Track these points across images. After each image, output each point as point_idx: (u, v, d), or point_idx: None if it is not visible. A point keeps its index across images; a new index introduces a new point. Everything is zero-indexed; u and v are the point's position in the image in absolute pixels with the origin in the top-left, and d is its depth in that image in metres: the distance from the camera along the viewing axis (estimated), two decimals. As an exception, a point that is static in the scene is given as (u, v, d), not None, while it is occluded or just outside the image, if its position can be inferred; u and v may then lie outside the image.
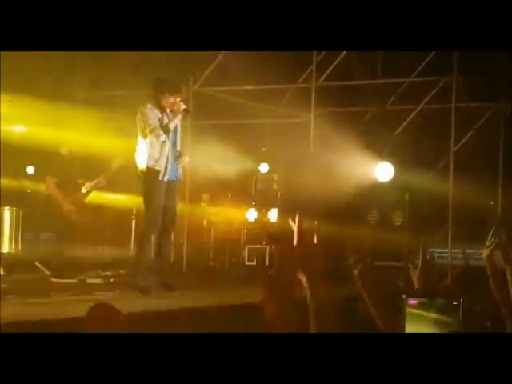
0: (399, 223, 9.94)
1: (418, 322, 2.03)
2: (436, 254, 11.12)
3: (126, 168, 8.13)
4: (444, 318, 2.03)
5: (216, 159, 11.09)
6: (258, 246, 10.80)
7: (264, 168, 11.47)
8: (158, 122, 6.87)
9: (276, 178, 11.33)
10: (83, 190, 8.53)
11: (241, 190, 11.32)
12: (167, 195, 6.99)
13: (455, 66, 9.48)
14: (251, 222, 11.14)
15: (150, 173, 6.90)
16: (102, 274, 8.37)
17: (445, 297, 2.02)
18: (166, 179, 6.90)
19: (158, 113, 6.91)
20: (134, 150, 7.10)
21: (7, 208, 9.95)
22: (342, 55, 10.92)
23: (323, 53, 11.12)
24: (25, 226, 9.93)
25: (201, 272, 10.44)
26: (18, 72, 10.10)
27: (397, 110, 11.87)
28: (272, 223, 10.90)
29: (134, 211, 10.63)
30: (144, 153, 6.92)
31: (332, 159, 9.73)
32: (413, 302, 2.04)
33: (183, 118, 7.10)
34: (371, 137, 10.97)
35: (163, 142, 6.88)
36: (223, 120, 11.54)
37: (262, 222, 11.03)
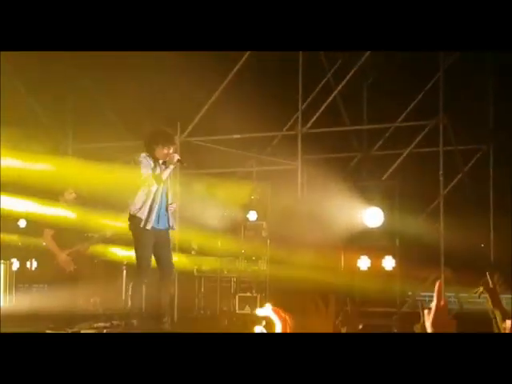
0: (390, 268, 9.92)
1: None
2: (427, 299, 11.09)
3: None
4: None
5: (204, 208, 11.08)
6: (249, 295, 10.73)
7: (253, 216, 11.47)
8: (150, 172, 6.96)
9: (265, 225, 11.32)
10: (85, 243, 8.58)
11: (230, 238, 11.29)
12: (160, 243, 7.01)
13: (441, 107, 9.60)
14: (241, 270, 11.09)
15: (133, 220, 7.00)
16: (95, 325, 8.33)
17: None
18: (148, 227, 6.92)
19: (151, 162, 7.00)
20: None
21: (1, 262, 9.89)
22: (327, 101, 11.04)
23: (309, 99, 11.24)
24: (18, 279, 9.89)
25: (192, 321, 10.35)
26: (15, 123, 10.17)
27: (384, 155, 11.97)
28: (262, 271, 10.84)
29: (125, 262, 10.59)
30: (132, 201, 7.02)
31: (320, 205, 9.74)
32: None
33: (176, 168, 7.23)
34: (359, 182, 11.02)
35: (148, 191, 6.96)
36: (211, 169, 11.57)
37: (252, 270, 10.98)
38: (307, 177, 10.59)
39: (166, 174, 7.00)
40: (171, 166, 7.03)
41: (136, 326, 6.98)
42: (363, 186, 10.59)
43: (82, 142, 11.33)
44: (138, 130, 11.27)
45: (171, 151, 7.05)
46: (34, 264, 11.03)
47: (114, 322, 8.31)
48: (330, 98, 11.01)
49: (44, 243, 8.61)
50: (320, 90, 11.64)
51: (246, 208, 11.49)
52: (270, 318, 2.04)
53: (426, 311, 2.62)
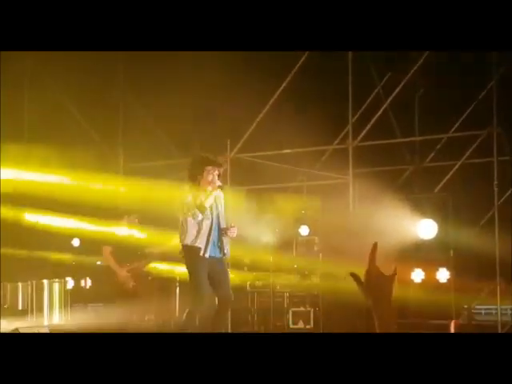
0: (445, 281, 9.75)
1: None
2: (484, 311, 10.85)
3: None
4: None
5: (256, 224, 11.10)
6: (302, 309, 10.68)
7: (304, 231, 11.44)
8: (193, 201, 6.88)
9: (317, 240, 11.27)
10: (143, 260, 8.68)
11: (282, 253, 11.28)
12: (216, 270, 6.92)
13: (495, 117, 9.44)
14: (294, 285, 11.05)
15: (190, 250, 6.90)
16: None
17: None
18: (207, 255, 6.85)
19: (194, 191, 6.92)
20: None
21: (56, 280, 10.11)
22: (378, 114, 10.96)
23: (359, 112, 11.19)
24: (73, 298, 10.06)
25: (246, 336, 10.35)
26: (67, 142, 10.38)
27: (436, 167, 11.81)
28: (315, 284, 10.79)
29: (178, 279, 10.67)
30: (184, 231, 6.94)
31: (372, 218, 9.66)
32: None
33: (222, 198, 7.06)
34: (411, 195, 10.88)
35: (202, 219, 6.88)
36: (262, 185, 11.60)
37: (305, 285, 10.93)
38: (358, 190, 10.51)
39: (210, 201, 6.89)
40: (213, 192, 6.90)
41: None
42: (416, 199, 10.46)
43: (132, 162, 11.49)
44: (188, 148, 11.41)
45: (216, 174, 6.96)
46: (89, 282, 11.20)
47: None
48: (381, 111, 10.94)
49: (102, 260, 8.74)
50: (370, 103, 11.58)
51: (298, 223, 11.47)
52: None
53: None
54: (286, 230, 11.39)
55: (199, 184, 6.93)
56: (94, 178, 10.38)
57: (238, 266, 11.17)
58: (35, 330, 6.87)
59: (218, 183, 6.96)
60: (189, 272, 7.05)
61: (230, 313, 10.40)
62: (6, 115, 10.38)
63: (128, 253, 8.65)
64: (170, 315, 10.16)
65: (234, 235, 7.09)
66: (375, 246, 2.09)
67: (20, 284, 10.69)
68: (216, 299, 6.98)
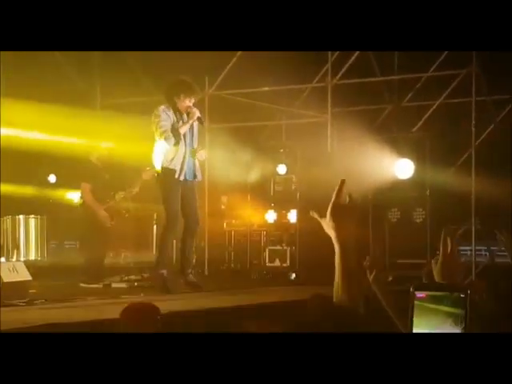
0: (421, 220, 9.85)
1: (426, 316, 2.00)
2: (460, 252, 11.00)
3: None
4: (452, 310, 2.00)
5: (233, 162, 11.07)
6: (279, 248, 10.77)
7: (282, 169, 11.43)
8: (169, 125, 6.89)
9: (294, 179, 11.28)
10: (117, 198, 8.64)
11: (259, 192, 11.29)
12: (186, 195, 7.05)
13: (474, 58, 9.39)
14: (271, 224, 11.12)
15: (166, 172, 6.97)
16: (126, 278, 8.50)
17: (452, 290, 1.99)
18: (182, 178, 6.95)
19: (171, 115, 6.94)
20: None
21: (32, 216, 10.06)
22: (357, 53, 10.85)
23: (338, 51, 11.07)
24: (49, 235, 10.03)
25: (223, 273, 10.46)
26: (37, 79, 10.18)
27: (414, 106, 11.78)
28: (292, 224, 10.86)
29: (155, 216, 10.68)
30: (159, 154, 7.00)
31: (350, 158, 9.67)
32: (420, 295, 2.00)
33: (197, 124, 7.15)
34: (389, 134, 10.89)
35: (177, 142, 6.93)
36: (239, 123, 11.52)
37: (281, 223, 11.00)
38: (337, 130, 10.49)
39: (185, 128, 6.94)
40: (190, 121, 6.97)
41: (165, 277, 7.03)
42: (394, 138, 10.47)
43: (109, 98, 11.33)
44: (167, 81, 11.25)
45: (193, 102, 6.99)
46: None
47: (145, 275, 8.44)
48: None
49: (81, 198, 8.67)
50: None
51: (276, 161, 11.45)
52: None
53: (433, 260, 2.61)
54: (264, 168, 11.38)
55: (175, 106, 6.92)
56: (71, 112, 10.23)
57: (215, 204, 11.18)
58: (11, 265, 6.84)
59: (197, 114, 6.96)
60: (163, 195, 7.11)
61: (206, 250, 10.48)
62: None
63: (104, 191, 8.61)
64: (147, 252, 10.20)
65: (203, 158, 7.25)
66: (343, 181, 2.11)
67: (-4, 219, 10.62)
68: (184, 223, 7.08)
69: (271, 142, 12.05)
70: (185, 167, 6.98)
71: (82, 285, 8.12)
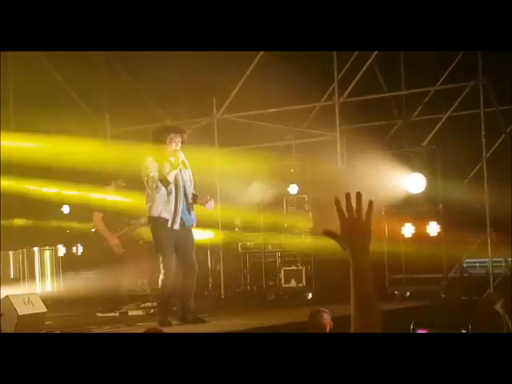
0: (435, 234, 9.77)
1: None
2: (478, 264, 10.91)
3: None
4: None
5: (244, 184, 11.06)
6: (294, 268, 10.73)
7: (293, 189, 11.42)
8: (157, 174, 6.81)
9: (306, 198, 11.26)
10: (131, 226, 8.67)
11: (272, 212, 11.27)
12: (182, 242, 6.88)
13: (480, 69, 9.37)
14: (285, 245, 11.08)
15: (157, 222, 6.86)
16: (142, 305, 8.48)
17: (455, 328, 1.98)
18: (175, 227, 6.81)
19: (156, 165, 6.84)
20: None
21: (47, 248, 10.08)
22: (363, 69, 10.87)
23: (344, 69, 11.09)
24: (65, 266, 10.04)
25: (239, 296, 10.42)
26: (45, 110, 10.25)
27: (424, 120, 11.76)
28: (306, 244, 10.81)
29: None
30: (150, 202, 6.89)
31: (361, 174, 9.64)
32: (421, 331, 1.98)
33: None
34: (399, 149, 10.85)
35: (168, 191, 6.81)
36: (249, 145, 11.53)
37: (296, 244, 10.95)
38: (347, 147, 10.48)
39: (172, 175, 6.83)
40: (177, 168, 6.82)
41: (160, 320, 6.83)
42: (404, 153, 10.43)
43: (119, 126, 11.39)
44: (175, 110, 11.30)
45: (179, 146, 6.86)
46: (80, 249, 11.19)
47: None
48: (366, 66, 10.83)
49: (94, 227, 8.71)
50: (356, 58, 11.46)
51: (287, 182, 11.44)
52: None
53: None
54: (276, 189, 11.36)
55: (163, 153, 6.81)
56: (81, 143, 10.29)
57: (228, 227, 11.17)
58: (26, 298, 6.84)
59: (182, 157, 6.83)
60: (155, 243, 6.98)
61: (222, 273, 10.44)
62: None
63: (118, 219, 8.63)
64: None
65: (212, 208, 7.08)
66: (348, 196, 2.07)
67: (11, 252, 10.66)
68: (182, 272, 6.89)
69: (281, 162, 12.05)
70: (178, 215, 6.85)
71: (98, 314, 8.11)
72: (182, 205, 6.87)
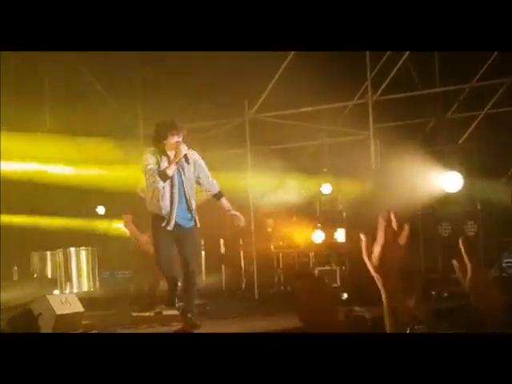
0: (473, 233, 9.62)
1: None
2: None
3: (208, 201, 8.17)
4: None
5: (277, 184, 11.02)
6: (328, 268, 10.65)
7: (327, 189, 11.34)
8: (155, 168, 6.49)
9: (340, 198, 11.18)
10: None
11: (305, 212, 11.21)
12: (180, 242, 6.54)
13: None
14: (318, 244, 11.01)
15: (155, 218, 6.60)
16: (177, 305, 8.48)
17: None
18: (169, 227, 6.49)
19: (158, 158, 6.51)
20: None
21: (83, 248, 10.16)
22: (396, 67, 10.74)
23: (378, 67, 10.98)
24: (101, 266, 10.11)
25: (272, 297, 10.38)
26: (81, 113, 10.33)
27: (460, 118, 11.59)
28: (340, 243, 10.74)
29: (202, 242, 10.68)
30: (148, 198, 6.62)
31: (396, 174, 9.53)
32: None
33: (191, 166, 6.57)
34: (435, 147, 10.72)
35: (170, 187, 6.48)
36: (281, 144, 11.48)
37: (329, 243, 10.88)
38: (380, 146, 10.37)
39: (172, 168, 6.44)
40: (176, 160, 6.43)
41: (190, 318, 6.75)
42: (440, 151, 10.29)
43: (152, 127, 11.42)
44: (207, 111, 11.30)
45: (180, 139, 6.47)
46: (114, 249, 11.26)
47: (195, 302, 8.40)
48: (400, 63, 10.71)
49: (124, 228, 8.77)
50: (389, 56, 11.35)
51: (320, 181, 11.37)
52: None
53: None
54: (308, 189, 11.31)
55: (164, 149, 6.50)
56: (115, 146, 10.36)
57: (261, 227, 11.14)
58: (63, 298, 6.90)
59: (184, 151, 6.48)
60: (153, 241, 6.83)
61: (255, 273, 10.40)
62: (27, 85, 10.38)
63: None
64: (197, 278, 10.19)
65: (242, 223, 6.72)
66: (388, 216, 1.93)
67: (48, 253, 10.77)
68: (182, 273, 6.65)
69: (314, 161, 11.98)
70: (174, 214, 6.49)
71: (133, 314, 8.14)
72: (178, 204, 6.53)
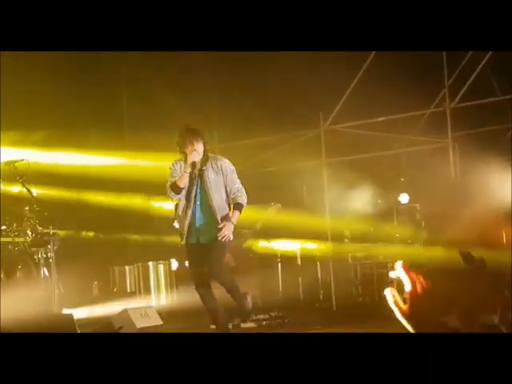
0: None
1: None
2: None
3: (282, 212, 8.18)
4: None
5: (353, 194, 10.92)
6: (407, 279, 10.44)
7: (404, 199, 11.16)
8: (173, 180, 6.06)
9: (418, 207, 10.98)
10: (241, 237, 8.74)
11: (383, 223, 11.06)
12: (201, 259, 6.11)
13: None
14: (397, 255, 10.82)
15: (179, 234, 6.24)
16: (255, 317, 8.51)
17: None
18: (192, 242, 6.10)
19: (178, 169, 6.09)
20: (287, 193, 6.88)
21: (161, 262, 10.30)
22: (475, 72, 10.51)
23: (456, 73, 10.77)
24: (178, 279, 10.21)
25: (351, 308, 10.28)
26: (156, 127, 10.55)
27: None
28: (419, 254, 10.52)
29: (279, 254, 10.68)
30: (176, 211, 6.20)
31: (476, 182, 9.30)
32: None
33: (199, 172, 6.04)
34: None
35: (186, 201, 6.03)
36: (358, 155, 11.37)
37: (408, 254, 10.68)
38: (459, 154, 10.15)
39: (183, 180, 5.95)
40: (187, 170, 5.96)
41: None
42: (522, 159, 9.98)
43: (227, 141, 11.53)
44: (281, 124, 11.32)
45: (198, 147, 5.99)
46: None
47: (273, 314, 8.40)
48: (478, 69, 10.47)
49: None
50: (466, 62, 11.11)
51: (397, 191, 11.20)
52: (400, 280, 1.89)
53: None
54: (386, 199, 11.16)
55: (186, 158, 6.03)
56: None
57: (338, 238, 11.06)
58: (143, 311, 7.03)
59: (192, 159, 5.97)
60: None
61: (332, 285, 10.30)
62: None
63: None
64: (274, 291, 10.20)
65: (225, 236, 6.04)
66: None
67: (127, 267, 10.98)
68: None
69: (391, 171, 11.82)
70: (191, 229, 6.05)
71: (211, 326, 8.19)
72: (198, 217, 6.05)
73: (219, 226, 6.00)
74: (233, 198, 6.12)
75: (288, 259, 10.90)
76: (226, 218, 6.05)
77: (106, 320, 6.90)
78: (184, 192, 6.00)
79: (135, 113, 11.50)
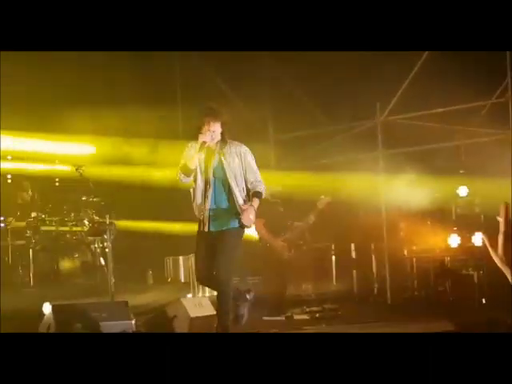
0: None
1: None
2: None
3: (333, 204, 8.12)
4: None
5: (411, 187, 10.76)
6: (465, 273, 10.26)
7: (463, 191, 10.94)
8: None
9: (477, 200, 10.75)
10: (294, 229, 8.74)
11: (440, 216, 10.87)
12: (212, 248, 5.74)
13: None
14: (455, 248, 10.63)
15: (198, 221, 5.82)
16: (308, 309, 8.50)
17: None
18: (206, 229, 5.72)
19: (193, 151, 5.70)
20: (341, 185, 6.84)
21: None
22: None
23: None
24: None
25: (407, 302, 10.16)
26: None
27: None
28: (478, 247, 10.31)
29: (333, 247, 10.61)
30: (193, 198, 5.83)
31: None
32: None
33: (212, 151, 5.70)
34: None
35: (204, 184, 5.67)
36: (414, 147, 11.19)
37: (466, 248, 10.48)
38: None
39: (193, 161, 5.61)
40: (198, 151, 5.63)
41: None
42: None
43: (282, 132, 11.48)
44: (337, 114, 11.21)
45: (214, 127, 5.65)
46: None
47: (326, 306, 8.37)
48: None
49: (257, 234, 8.83)
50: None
51: (456, 184, 10.99)
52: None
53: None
54: (443, 191, 10.96)
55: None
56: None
57: (394, 231, 10.92)
58: (197, 301, 7.08)
59: (203, 138, 5.61)
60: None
61: (388, 278, 10.18)
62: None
63: (280, 223, 8.68)
64: (327, 284, 10.15)
65: (246, 222, 5.71)
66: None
67: (181, 258, 11.07)
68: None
69: (449, 163, 11.59)
70: (205, 214, 5.66)
71: (264, 318, 8.20)
72: (216, 201, 5.68)
73: (243, 207, 5.70)
74: (252, 188, 5.83)
75: (342, 252, 10.82)
76: (244, 204, 5.77)
77: (161, 309, 6.97)
78: (200, 176, 5.72)
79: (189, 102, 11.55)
